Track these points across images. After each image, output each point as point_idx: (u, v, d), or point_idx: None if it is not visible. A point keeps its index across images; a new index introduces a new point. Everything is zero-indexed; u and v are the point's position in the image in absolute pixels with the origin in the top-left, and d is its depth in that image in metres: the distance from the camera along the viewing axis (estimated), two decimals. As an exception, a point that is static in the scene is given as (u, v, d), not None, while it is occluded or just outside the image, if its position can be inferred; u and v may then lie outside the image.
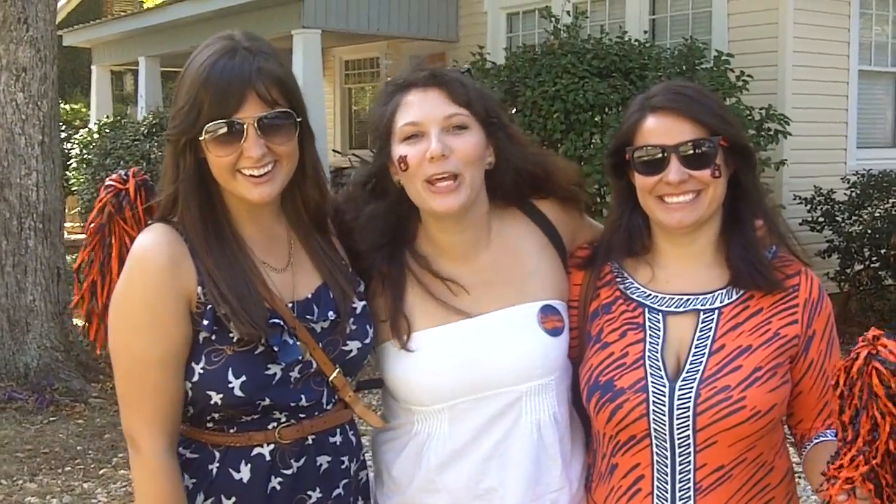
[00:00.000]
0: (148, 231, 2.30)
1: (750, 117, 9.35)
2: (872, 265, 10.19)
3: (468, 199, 2.37)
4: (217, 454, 2.30)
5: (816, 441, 2.35)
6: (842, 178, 10.46)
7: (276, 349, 2.23)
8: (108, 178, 2.50)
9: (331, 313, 2.35)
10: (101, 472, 6.76)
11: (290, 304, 2.32)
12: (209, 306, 2.22)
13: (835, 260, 10.16)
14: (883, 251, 10.02)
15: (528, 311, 2.44)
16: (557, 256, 2.56)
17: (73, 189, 15.17)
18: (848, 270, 10.21)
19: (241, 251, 2.30)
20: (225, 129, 2.19)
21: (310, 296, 2.36)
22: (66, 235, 9.91)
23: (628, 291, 2.43)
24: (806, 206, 10.21)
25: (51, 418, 7.89)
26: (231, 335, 2.22)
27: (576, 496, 2.46)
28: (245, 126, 2.19)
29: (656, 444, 2.29)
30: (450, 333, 2.41)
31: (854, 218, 10.15)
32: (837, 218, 10.16)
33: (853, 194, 10.21)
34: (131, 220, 2.43)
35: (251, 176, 2.23)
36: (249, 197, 2.25)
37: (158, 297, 2.21)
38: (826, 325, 2.36)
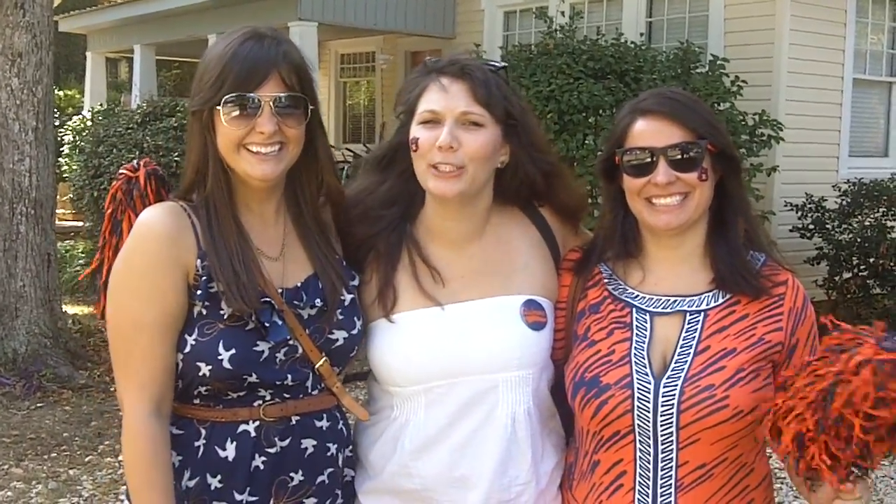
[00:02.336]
0: (153, 206, 2.41)
1: (743, 122, 9.37)
2: (861, 273, 10.23)
3: (467, 189, 2.44)
4: (203, 431, 2.35)
5: None
6: (833, 186, 10.49)
7: (266, 325, 2.30)
8: (121, 168, 2.59)
9: (318, 301, 2.41)
10: (86, 459, 6.77)
11: (280, 290, 2.38)
12: (204, 278, 2.29)
13: (824, 267, 10.21)
14: (872, 260, 10.06)
15: (510, 302, 2.49)
16: (550, 258, 2.61)
17: (66, 176, 15.14)
18: (836, 278, 10.25)
19: (241, 234, 2.37)
20: (243, 102, 2.30)
21: (299, 284, 2.42)
22: (57, 222, 9.89)
23: (616, 292, 2.47)
24: (797, 212, 10.26)
25: (38, 404, 7.90)
26: (222, 311, 2.29)
27: (543, 493, 2.50)
28: (263, 103, 2.30)
29: (639, 441, 2.32)
30: (431, 317, 2.46)
31: (844, 226, 10.19)
32: (827, 226, 10.20)
33: (844, 202, 10.24)
34: (140, 208, 2.49)
35: (257, 153, 2.32)
36: (253, 173, 2.34)
37: (156, 264, 2.29)
38: (809, 333, 2.40)
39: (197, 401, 2.36)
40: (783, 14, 10.62)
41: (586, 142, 9.05)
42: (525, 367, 2.45)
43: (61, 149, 14.77)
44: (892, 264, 10.04)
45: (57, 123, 11.51)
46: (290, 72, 2.34)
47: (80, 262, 13.17)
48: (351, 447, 2.54)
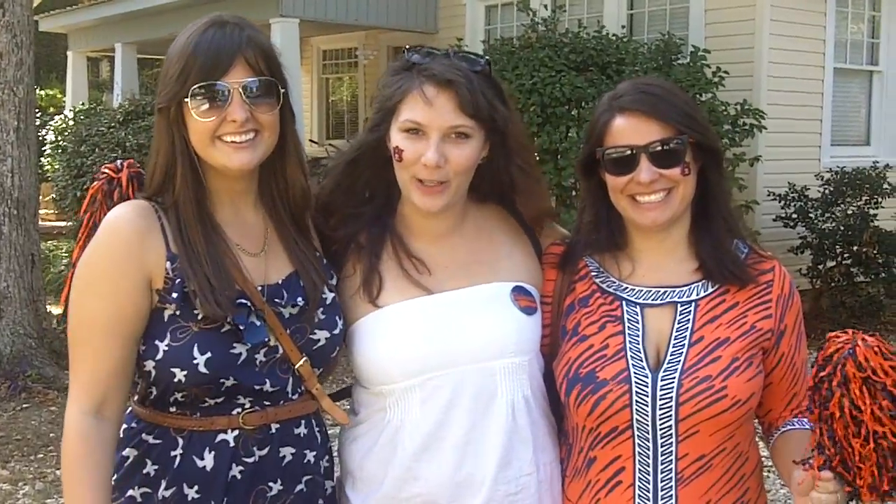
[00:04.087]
0: (122, 204, 2.34)
1: (725, 112, 9.40)
2: (844, 262, 10.28)
3: (450, 201, 2.41)
4: (180, 440, 2.29)
5: (784, 429, 2.41)
6: (816, 175, 10.53)
7: (241, 328, 2.24)
8: (103, 167, 2.54)
9: (299, 300, 2.36)
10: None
11: (261, 287, 2.32)
12: (178, 280, 2.23)
13: (807, 256, 10.24)
14: (855, 248, 10.12)
15: (500, 288, 2.46)
16: (531, 249, 2.58)
17: (48, 176, 15.09)
18: (820, 267, 10.30)
19: (216, 232, 2.32)
20: (211, 92, 2.23)
21: (280, 281, 2.37)
22: (40, 222, 9.86)
23: (604, 285, 2.46)
24: (780, 202, 10.29)
25: (23, 405, 7.88)
26: (196, 312, 2.22)
27: (543, 482, 2.44)
28: (231, 90, 2.23)
29: (638, 436, 2.31)
30: (421, 306, 2.42)
31: (827, 215, 10.24)
32: (811, 214, 10.24)
33: (826, 191, 10.29)
34: None
35: (232, 142, 2.26)
36: (229, 163, 2.27)
37: (118, 264, 2.23)
38: (796, 319, 2.41)
39: (174, 409, 2.30)
40: (763, 4, 10.65)
41: (569, 134, 9.07)
42: (521, 354, 2.42)
43: (43, 149, 14.73)
44: (875, 252, 10.09)
45: (39, 123, 11.45)
46: (257, 56, 2.26)
47: (64, 262, 13.13)
48: (328, 457, 2.48)
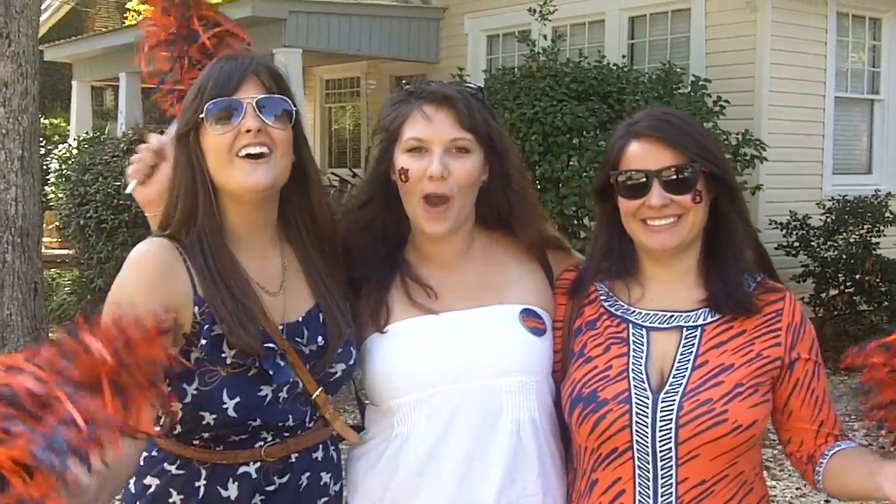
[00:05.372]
0: (146, 241, 2.34)
1: (726, 142, 9.43)
2: (847, 290, 10.28)
3: (456, 223, 2.48)
4: (203, 471, 2.32)
5: (833, 451, 2.37)
6: (817, 204, 10.55)
7: (271, 373, 2.26)
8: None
9: (320, 339, 2.38)
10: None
11: (281, 327, 2.34)
12: (206, 326, 2.24)
13: (810, 284, 10.24)
14: (857, 276, 10.11)
15: (509, 310, 2.50)
16: (543, 276, 2.62)
17: (52, 204, 15.11)
18: (823, 295, 10.29)
19: (237, 270, 2.33)
20: (225, 108, 2.29)
21: (300, 319, 2.39)
22: (43, 250, 9.87)
23: (612, 308, 2.48)
24: (781, 230, 10.30)
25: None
26: (224, 356, 2.24)
27: None
28: (245, 103, 2.29)
29: (638, 458, 2.31)
30: (429, 322, 2.46)
31: (829, 243, 10.24)
32: (813, 243, 10.25)
33: (828, 220, 10.30)
34: None
35: (248, 156, 2.28)
36: (245, 181, 2.28)
37: (143, 295, 2.20)
38: (811, 347, 2.41)
39: (196, 442, 2.32)
40: (764, 34, 10.71)
41: (571, 163, 9.10)
42: (527, 374, 2.44)
43: (47, 177, 14.76)
44: (877, 280, 10.09)
45: (43, 152, 11.50)
46: (268, 76, 2.34)
47: (67, 290, 13.15)
48: (340, 479, 2.52)
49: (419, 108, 2.47)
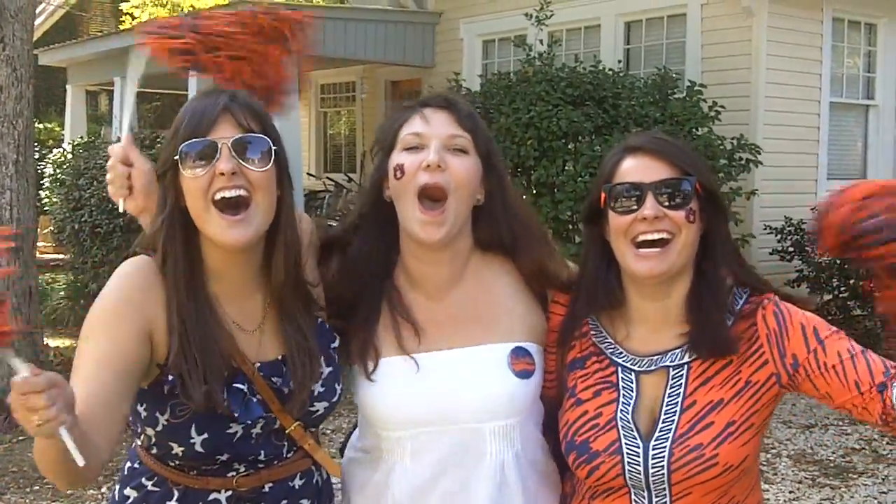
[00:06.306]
0: (134, 259, 2.32)
1: (721, 147, 9.45)
2: (841, 295, 10.29)
3: (452, 228, 2.40)
4: (176, 493, 2.31)
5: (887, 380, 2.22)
6: (812, 209, 10.49)
7: (236, 414, 2.22)
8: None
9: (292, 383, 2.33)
10: (69, 492, 6.72)
11: (258, 365, 2.31)
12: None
13: (804, 289, 10.24)
14: (851, 281, 10.12)
15: (498, 351, 2.44)
16: (536, 301, 2.55)
17: (46, 209, 15.09)
18: (817, 300, 10.29)
19: (209, 307, 2.29)
20: (200, 150, 2.21)
21: (279, 358, 2.35)
22: (38, 255, 9.87)
23: (602, 346, 2.44)
24: (776, 235, 10.31)
25: (20, 437, 7.84)
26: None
27: None
28: (219, 144, 2.21)
29: (634, 493, 2.32)
30: (415, 364, 2.41)
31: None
32: (807, 248, 10.24)
33: (823, 225, 10.28)
34: None
35: (225, 201, 2.21)
36: (223, 238, 2.23)
37: (117, 318, 2.20)
38: (804, 340, 2.30)
39: (171, 464, 2.30)
40: (759, 39, 10.74)
41: (566, 168, 9.10)
42: (513, 416, 2.41)
43: (42, 182, 14.74)
44: (871, 286, 10.07)
45: (37, 156, 11.48)
46: (245, 114, 2.25)
47: (62, 294, 13.13)
48: (332, 493, 2.51)
49: (418, 111, 2.45)
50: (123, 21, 23.29)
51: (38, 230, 11.16)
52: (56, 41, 20.15)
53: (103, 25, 26.07)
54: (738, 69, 10.82)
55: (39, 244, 11.89)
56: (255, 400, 2.26)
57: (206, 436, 2.22)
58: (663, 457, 2.27)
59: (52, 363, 9.00)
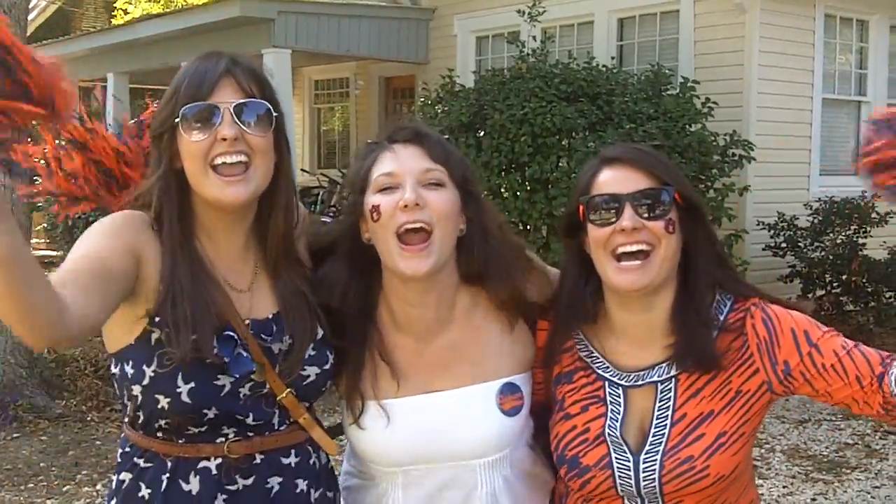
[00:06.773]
0: (128, 211, 2.32)
1: (714, 143, 9.47)
2: (834, 290, 10.33)
3: (438, 261, 2.31)
4: (169, 464, 2.29)
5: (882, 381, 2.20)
6: (805, 205, 10.58)
7: (226, 360, 2.22)
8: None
9: (286, 338, 2.33)
10: (64, 488, 6.72)
11: (248, 322, 2.31)
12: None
13: (797, 285, 10.30)
14: (844, 277, 10.16)
15: (486, 391, 2.41)
16: (527, 329, 2.51)
17: (40, 205, 15.08)
18: (810, 295, 10.33)
19: (201, 265, 2.29)
20: (201, 113, 2.21)
21: (269, 317, 2.35)
22: (31, 251, 9.84)
23: (588, 360, 2.42)
24: (769, 231, 10.35)
25: (14, 434, 7.84)
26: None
27: None
28: (221, 109, 2.21)
29: (628, 501, 2.32)
30: (402, 408, 2.39)
31: (816, 244, 10.29)
32: (800, 244, 10.30)
33: (815, 221, 10.34)
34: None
35: (224, 166, 2.21)
36: (221, 196, 2.23)
37: (111, 231, 2.21)
38: (795, 346, 2.28)
39: (160, 434, 2.29)
40: (752, 36, 10.76)
41: (560, 164, 9.12)
42: (502, 450, 2.41)
43: (35, 177, 14.73)
44: (864, 281, 10.14)
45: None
46: (247, 78, 2.25)
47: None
48: (327, 488, 2.47)
49: (387, 149, 2.36)
50: (116, 17, 23.26)
51: (31, 226, 11.14)
52: (48, 37, 20.12)
53: (96, 21, 26.01)
54: (731, 65, 10.84)
55: (33, 241, 11.86)
56: (245, 355, 2.24)
57: (192, 385, 2.20)
58: (654, 469, 2.27)
59: (45, 360, 8.99)
